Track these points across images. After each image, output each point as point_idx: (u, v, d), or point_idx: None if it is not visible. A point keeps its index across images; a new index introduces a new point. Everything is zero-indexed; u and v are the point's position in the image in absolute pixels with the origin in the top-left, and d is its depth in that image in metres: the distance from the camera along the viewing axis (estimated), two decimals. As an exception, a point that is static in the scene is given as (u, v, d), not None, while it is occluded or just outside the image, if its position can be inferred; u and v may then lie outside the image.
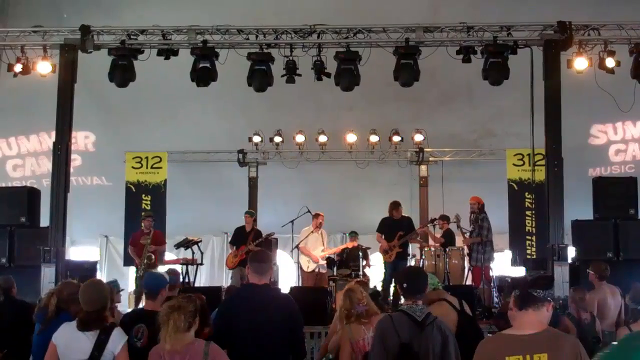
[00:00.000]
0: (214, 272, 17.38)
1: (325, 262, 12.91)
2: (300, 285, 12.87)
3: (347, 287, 6.32)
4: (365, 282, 6.76)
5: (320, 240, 12.89)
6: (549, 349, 3.73)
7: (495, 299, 12.32)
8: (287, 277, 14.72)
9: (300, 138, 16.11)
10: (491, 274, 12.53)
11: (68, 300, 5.76)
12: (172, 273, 8.03)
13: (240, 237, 12.76)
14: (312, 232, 12.97)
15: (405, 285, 4.97)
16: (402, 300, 5.16)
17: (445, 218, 13.62)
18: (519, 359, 3.71)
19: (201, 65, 10.92)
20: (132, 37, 11.13)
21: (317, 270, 12.81)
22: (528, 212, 15.49)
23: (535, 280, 4.02)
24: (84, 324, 4.98)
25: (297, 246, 12.88)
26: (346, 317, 5.80)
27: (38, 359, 5.54)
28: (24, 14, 14.66)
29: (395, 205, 12.42)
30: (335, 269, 13.49)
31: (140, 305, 7.92)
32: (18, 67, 11.09)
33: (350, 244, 14.14)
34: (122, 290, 11.62)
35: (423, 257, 13.32)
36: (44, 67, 11.11)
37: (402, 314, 4.83)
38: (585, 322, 7.41)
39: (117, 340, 4.97)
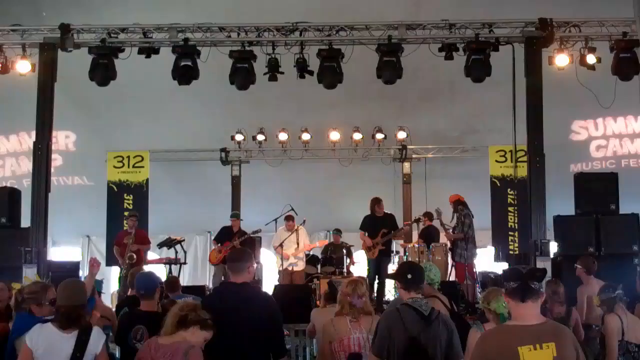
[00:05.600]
0: (197, 271, 17.35)
1: (296, 260, 12.83)
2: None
3: (354, 278, 6.24)
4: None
5: (295, 239, 12.77)
6: (555, 338, 3.85)
7: (479, 295, 12.37)
8: (271, 276, 14.68)
9: (283, 136, 16.09)
10: (475, 270, 12.59)
11: (28, 299, 5.51)
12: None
13: (225, 236, 12.76)
14: (285, 231, 12.90)
15: (409, 276, 4.94)
16: (401, 293, 5.10)
17: (428, 215, 13.66)
18: (530, 349, 3.77)
19: (183, 63, 10.86)
20: (112, 35, 11.06)
21: (290, 268, 12.73)
22: (510, 208, 15.55)
23: (531, 272, 4.02)
24: (65, 321, 4.82)
25: (280, 245, 12.76)
26: (341, 304, 5.62)
27: None
28: (2, 12, 14.44)
29: (376, 201, 12.38)
30: (319, 266, 13.51)
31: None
32: (-4, 66, 11.00)
33: (321, 242, 14.16)
34: (104, 293, 11.52)
35: (406, 253, 13.36)
36: (23, 66, 11.01)
37: (408, 307, 4.79)
38: (559, 316, 7.44)
39: (97, 339, 4.88)
